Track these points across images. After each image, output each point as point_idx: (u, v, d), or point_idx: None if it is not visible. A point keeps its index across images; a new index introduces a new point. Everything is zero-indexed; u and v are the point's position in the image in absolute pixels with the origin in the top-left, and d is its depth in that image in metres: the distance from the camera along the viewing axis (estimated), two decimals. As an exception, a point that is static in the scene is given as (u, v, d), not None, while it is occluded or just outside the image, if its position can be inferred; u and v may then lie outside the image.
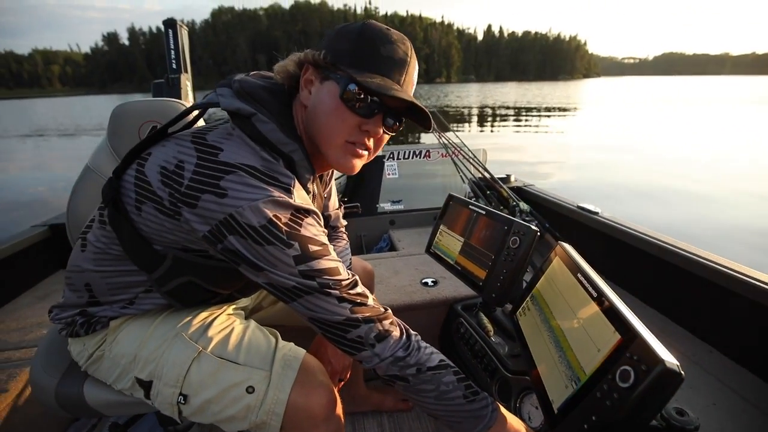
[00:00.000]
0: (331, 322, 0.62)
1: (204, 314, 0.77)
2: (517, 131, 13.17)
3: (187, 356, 0.69)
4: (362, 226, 2.18)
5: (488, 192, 1.92)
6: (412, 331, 0.70)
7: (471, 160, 2.06)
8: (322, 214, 0.74)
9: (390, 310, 0.68)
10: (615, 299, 0.62)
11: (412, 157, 2.30)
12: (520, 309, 0.91)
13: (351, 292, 0.63)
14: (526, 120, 17.08)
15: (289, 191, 0.60)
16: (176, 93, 2.33)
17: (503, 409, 0.71)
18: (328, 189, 0.95)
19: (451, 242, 1.19)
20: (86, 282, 0.72)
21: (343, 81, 0.61)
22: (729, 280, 1.06)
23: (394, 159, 2.27)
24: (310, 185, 0.71)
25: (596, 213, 1.55)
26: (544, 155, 8.24)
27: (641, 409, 0.51)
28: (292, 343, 0.77)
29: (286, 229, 0.58)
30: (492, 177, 1.96)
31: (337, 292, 0.61)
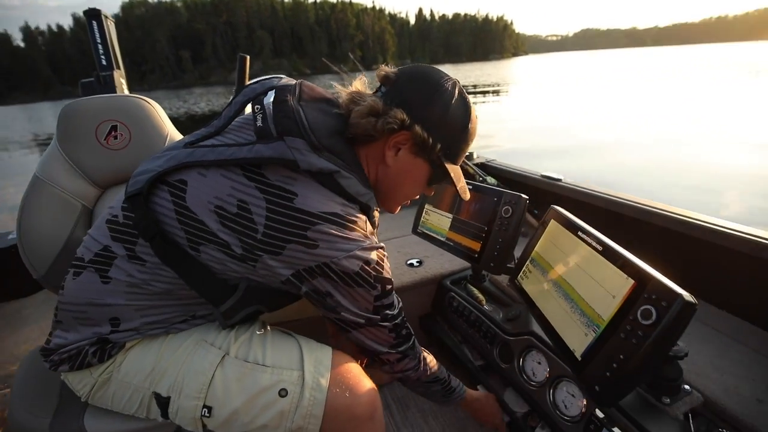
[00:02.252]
0: (374, 349, 0.70)
1: None
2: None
3: (210, 363, 0.65)
4: None
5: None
6: (423, 352, 0.80)
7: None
8: None
9: (414, 337, 0.77)
10: (621, 249, 0.68)
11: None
12: (520, 273, 0.96)
13: (399, 322, 0.71)
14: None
15: (365, 234, 0.64)
16: (110, 92, 2.09)
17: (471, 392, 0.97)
18: None
19: (439, 220, 1.22)
20: (113, 316, 0.65)
21: (438, 172, 0.72)
22: (686, 226, 1.19)
23: None
24: (375, 219, 0.76)
25: (559, 180, 1.66)
26: (489, 132, 8.96)
27: (665, 342, 0.56)
28: (313, 340, 0.75)
29: (374, 273, 0.63)
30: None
31: (391, 324, 0.69)
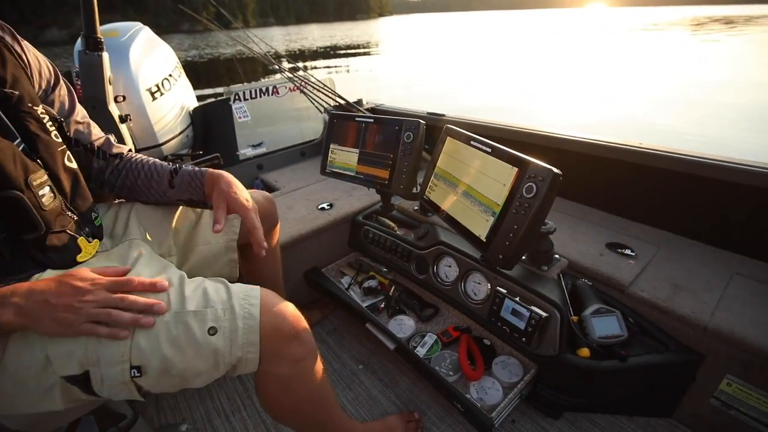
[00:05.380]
0: None
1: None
2: (335, 71, 13.69)
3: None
4: None
5: (348, 117, 2.01)
6: None
7: (322, 90, 2.09)
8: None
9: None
10: (505, 147, 0.83)
11: (260, 96, 2.18)
12: (427, 188, 1.08)
13: None
14: (341, 59, 18.43)
15: None
16: None
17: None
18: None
19: (346, 156, 1.27)
20: None
21: None
22: (537, 137, 1.47)
23: (241, 100, 2.10)
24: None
25: (443, 115, 1.84)
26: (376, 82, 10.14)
27: (545, 206, 0.73)
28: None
29: None
30: (348, 102, 2.05)
31: None
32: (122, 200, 0.88)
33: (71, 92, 0.77)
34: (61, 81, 0.75)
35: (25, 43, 0.69)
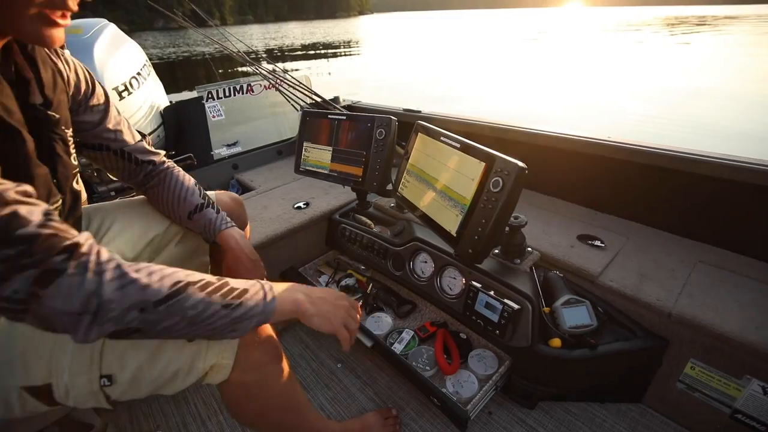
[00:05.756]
0: None
1: None
2: (315, 69, 13.64)
3: None
4: (203, 178, 1.97)
5: (324, 114, 2.00)
6: (111, 256, 0.48)
7: (298, 87, 2.06)
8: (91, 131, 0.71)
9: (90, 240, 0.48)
10: (473, 142, 0.84)
11: (234, 94, 2.14)
12: (400, 185, 1.08)
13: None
14: (321, 59, 18.47)
15: None
16: None
17: (277, 285, 0.63)
18: (55, 75, 0.64)
19: (319, 154, 1.25)
20: None
21: None
22: (510, 132, 1.49)
23: (214, 99, 2.06)
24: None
25: (419, 111, 1.84)
26: (356, 80, 10.10)
27: (511, 199, 0.74)
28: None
29: None
30: (324, 100, 2.03)
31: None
32: (104, 203, 0.88)
33: (106, 97, 0.77)
34: (97, 88, 0.75)
35: (67, 57, 0.69)
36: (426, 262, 1.18)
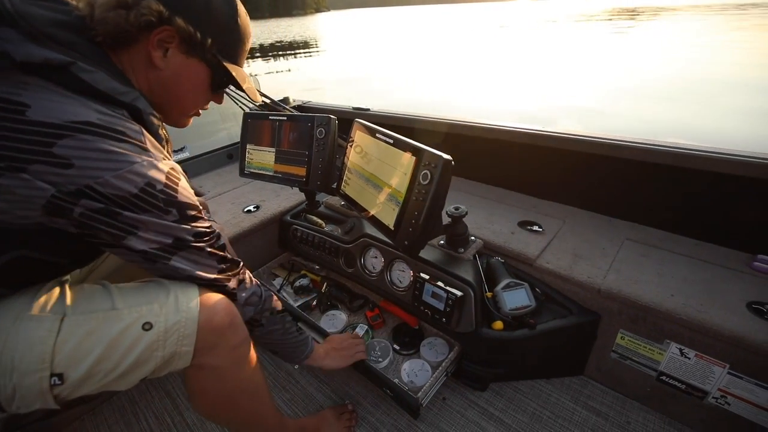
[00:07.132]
0: (202, 276, 0.64)
1: (46, 287, 0.61)
2: (274, 70, 13.33)
3: (47, 329, 0.55)
4: None
5: (274, 116, 1.97)
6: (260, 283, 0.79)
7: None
8: None
9: (242, 263, 0.74)
10: (404, 137, 0.86)
11: (179, 99, 2.07)
12: (342, 183, 1.09)
13: (216, 244, 0.67)
14: (282, 59, 18.28)
15: (142, 146, 0.55)
16: None
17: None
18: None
19: (262, 156, 1.24)
20: None
21: (218, 73, 0.67)
22: (447, 126, 1.53)
23: None
24: (161, 131, 0.64)
25: (367, 109, 1.85)
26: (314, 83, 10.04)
27: (440, 191, 0.77)
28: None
29: (163, 196, 0.56)
30: (273, 100, 2.00)
31: (206, 244, 0.64)
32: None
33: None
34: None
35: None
36: (376, 257, 1.20)
